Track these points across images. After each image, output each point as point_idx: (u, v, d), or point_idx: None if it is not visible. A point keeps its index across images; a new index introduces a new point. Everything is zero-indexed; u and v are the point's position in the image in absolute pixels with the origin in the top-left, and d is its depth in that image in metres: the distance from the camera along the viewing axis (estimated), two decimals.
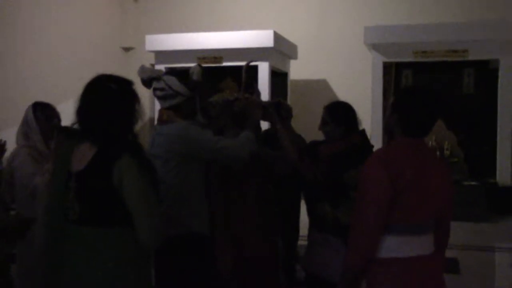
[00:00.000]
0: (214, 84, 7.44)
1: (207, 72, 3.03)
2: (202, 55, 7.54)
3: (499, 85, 7.01)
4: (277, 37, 7.44)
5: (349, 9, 8.91)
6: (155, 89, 2.80)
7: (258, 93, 3.26)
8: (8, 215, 3.06)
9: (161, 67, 7.82)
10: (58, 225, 2.14)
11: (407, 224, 2.17)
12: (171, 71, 3.24)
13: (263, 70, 7.38)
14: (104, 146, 2.05)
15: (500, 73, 6.98)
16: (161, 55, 7.78)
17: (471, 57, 6.99)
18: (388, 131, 2.52)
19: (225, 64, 7.40)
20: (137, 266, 2.13)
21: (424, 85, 7.66)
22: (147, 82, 2.82)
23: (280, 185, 3.40)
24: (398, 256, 2.16)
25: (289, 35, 8.29)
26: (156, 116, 3.02)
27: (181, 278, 2.66)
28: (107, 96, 2.08)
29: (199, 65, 2.97)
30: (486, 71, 7.34)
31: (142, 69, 2.87)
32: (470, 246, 5.42)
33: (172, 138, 2.68)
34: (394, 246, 2.17)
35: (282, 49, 7.80)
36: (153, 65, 7.76)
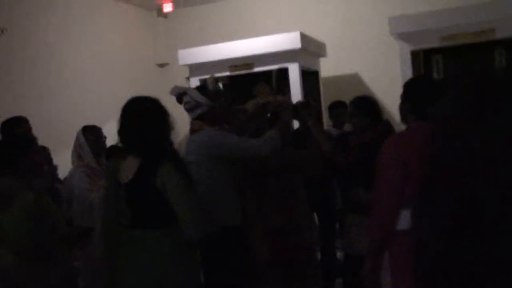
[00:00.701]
0: (248, 90, 7.68)
1: (240, 80, 3.33)
2: (233, 63, 7.79)
3: None
4: (304, 37, 7.63)
5: (371, 1, 9.02)
6: (184, 103, 3.13)
7: (289, 95, 3.55)
8: (70, 226, 3.39)
9: (195, 79, 8.13)
10: (115, 232, 2.43)
11: None
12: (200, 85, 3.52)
13: (294, 71, 7.58)
14: (146, 157, 2.34)
15: None
16: (195, 68, 8.07)
17: (498, 35, 6.97)
18: (403, 119, 2.73)
19: (256, 69, 7.62)
20: (186, 261, 2.41)
21: (455, 69, 7.73)
22: (178, 99, 3.18)
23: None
24: None
25: (316, 34, 8.47)
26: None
27: (224, 269, 2.92)
28: (142, 115, 2.38)
29: (212, 75, 3.35)
30: None
31: (173, 88, 3.23)
32: None
33: (200, 145, 3.00)
34: (410, 219, 2.34)
35: (310, 48, 7.98)
36: (188, 78, 8.07)
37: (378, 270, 2.56)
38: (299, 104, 3.53)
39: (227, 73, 7.81)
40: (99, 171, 3.66)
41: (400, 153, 2.35)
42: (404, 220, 2.37)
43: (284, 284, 3.24)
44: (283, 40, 7.56)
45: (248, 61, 7.76)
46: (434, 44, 7.25)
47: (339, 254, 4.33)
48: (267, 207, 3.23)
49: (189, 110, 3.16)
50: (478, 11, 7.01)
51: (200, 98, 3.11)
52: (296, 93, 7.49)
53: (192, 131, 3.17)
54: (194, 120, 3.17)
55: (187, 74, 8.36)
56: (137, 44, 9.76)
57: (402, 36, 7.31)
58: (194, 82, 8.15)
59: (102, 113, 7.08)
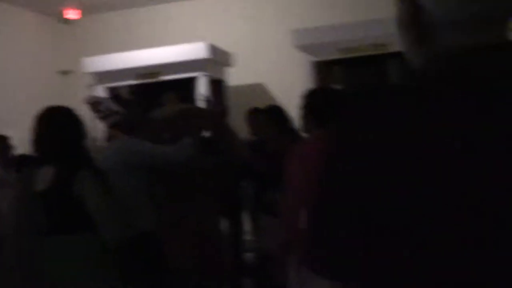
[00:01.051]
0: (155, 99, 7.67)
1: (147, 88, 3.40)
2: (140, 72, 7.75)
3: None
4: (211, 47, 7.76)
5: (277, 14, 9.35)
6: (98, 112, 3.16)
7: (213, 104, 3.73)
8: None
9: (101, 87, 7.99)
10: (30, 241, 2.41)
11: None
12: (114, 95, 3.58)
13: (201, 80, 7.68)
14: (61, 166, 2.37)
15: None
16: (100, 76, 7.94)
17: (392, 49, 7.47)
18: (303, 129, 2.93)
19: (163, 78, 7.63)
20: (103, 266, 2.44)
21: (353, 80, 8.19)
22: (92, 108, 3.21)
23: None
24: None
25: (223, 44, 8.63)
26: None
27: (139, 274, 2.96)
28: (56, 124, 2.41)
29: (127, 85, 3.45)
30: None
31: (87, 97, 3.29)
32: None
33: (115, 152, 3.04)
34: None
35: (217, 58, 8.12)
36: (92, 86, 7.92)
37: (288, 266, 2.72)
38: (216, 111, 3.68)
39: (134, 82, 7.75)
40: (7, 181, 3.56)
41: (302, 161, 2.54)
42: None
43: (200, 285, 3.33)
44: (191, 50, 7.64)
45: (155, 70, 7.76)
46: (334, 55, 7.62)
47: (250, 255, 4.50)
48: (182, 211, 3.31)
49: (103, 118, 3.20)
50: (374, 26, 7.46)
51: (115, 107, 3.17)
52: (204, 103, 7.59)
53: (107, 139, 3.24)
54: (108, 128, 3.23)
55: (91, 83, 8.20)
56: (39, 51, 9.43)
57: (305, 48, 7.63)
58: (100, 90, 8.01)
59: (1, 122, 6.77)
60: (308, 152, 2.55)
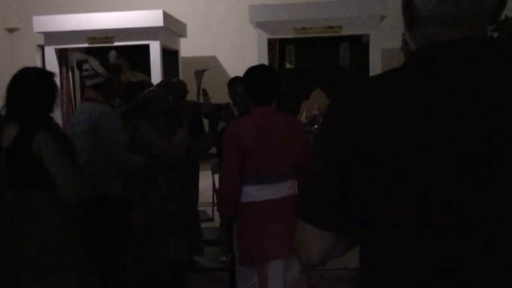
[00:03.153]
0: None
1: (98, 52, 3.43)
2: (93, 35, 7.63)
3: (370, 58, 7.78)
4: (166, 16, 7.71)
5: None
6: (83, 71, 3.21)
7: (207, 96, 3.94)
8: None
9: (50, 48, 7.82)
10: None
11: (260, 175, 2.75)
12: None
13: (154, 49, 7.64)
14: (23, 125, 2.45)
15: (370, 47, 7.74)
16: (51, 36, 7.76)
17: (345, 32, 7.67)
18: (244, 105, 3.07)
19: (116, 44, 7.55)
20: (64, 223, 2.54)
21: (306, 59, 8.36)
22: (77, 65, 3.24)
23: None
24: (254, 200, 2.76)
25: (178, 14, 8.58)
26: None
27: (102, 234, 3.05)
28: (27, 88, 2.50)
29: (115, 50, 3.45)
30: (359, 45, 8.10)
31: (74, 55, 3.31)
32: None
33: (88, 118, 3.10)
34: (250, 193, 2.77)
35: (171, 27, 8.08)
36: (42, 46, 7.74)
37: (230, 237, 2.86)
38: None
39: (85, 45, 7.63)
40: None
41: (236, 140, 2.67)
42: (246, 194, 2.76)
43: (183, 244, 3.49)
44: (146, 17, 7.57)
45: (108, 34, 7.65)
46: (289, 34, 7.74)
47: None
48: (159, 177, 3.40)
49: (86, 77, 3.23)
50: (328, 8, 7.61)
51: (100, 69, 3.18)
52: (156, 71, 7.57)
53: (85, 99, 3.28)
54: (88, 88, 3.24)
55: (40, 42, 8.00)
56: None
57: (260, 25, 7.70)
58: (49, 51, 7.84)
59: None
60: (243, 129, 2.67)
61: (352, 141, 1.00)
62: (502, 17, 3.52)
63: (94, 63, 3.22)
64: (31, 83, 2.57)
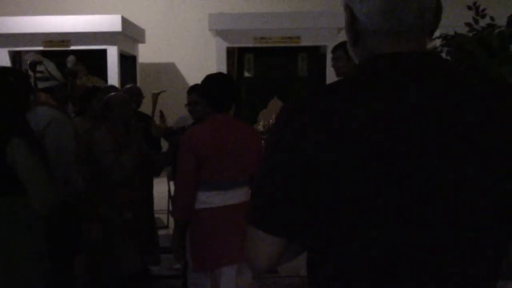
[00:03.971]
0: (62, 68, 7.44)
1: (53, 56, 3.34)
2: (49, 38, 7.49)
3: (327, 69, 7.90)
4: (124, 21, 7.64)
5: None
6: (36, 72, 3.09)
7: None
8: None
9: (4, 50, 7.63)
10: None
11: (215, 182, 2.74)
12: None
13: (112, 54, 7.56)
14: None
15: (327, 58, 7.86)
16: (5, 38, 7.57)
17: (303, 43, 7.78)
18: (201, 113, 3.07)
19: (72, 48, 7.43)
20: (31, 229, 2.45)
21: (264, 68, 8.43)
22: (31, 66, 3.10)
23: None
24: (207, 206, 2.75)
25: (137, 20, 8.52)
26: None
27: (64, 240, 2.98)
28: (6, 89, 2.39)
29: (71, 54, 3.34)
30: (317, 56, 8.23)
31: (28, 55, 3.17)
32: None
33: (40, 122, 2.96)
34: (204, 199, 2.76)
35: (130, 33, 8.01)
36: None
37: (184, 244, 2.85)
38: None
39: (41, 48, 7.48)
40: None
41: (192, 146, 2.67)
42: (200, 200, 2.76)
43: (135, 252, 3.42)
44: (104, 21, 7.49)
45: (65, 38, 7.53)
46: (248, 43, 7.79)
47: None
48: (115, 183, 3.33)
49: (39, 79, 3.09)
50: (288, 19, 7.71)
51: (55, 72, 3.07)
52: (113, 77, 7.49)
53: (37, 102, 3.10)
54: (41, 91, 3.10)
55: None
56: None
57: (220, 33, 7.72)
58: (2, 53, 7.65)
59: None
60: (199, 136, 2.67)
61: (300, 146, 1.02)
62: (452, 33, 3.66)
63: (50, 66, 3.10)
64: (10, 84, 2.45)
